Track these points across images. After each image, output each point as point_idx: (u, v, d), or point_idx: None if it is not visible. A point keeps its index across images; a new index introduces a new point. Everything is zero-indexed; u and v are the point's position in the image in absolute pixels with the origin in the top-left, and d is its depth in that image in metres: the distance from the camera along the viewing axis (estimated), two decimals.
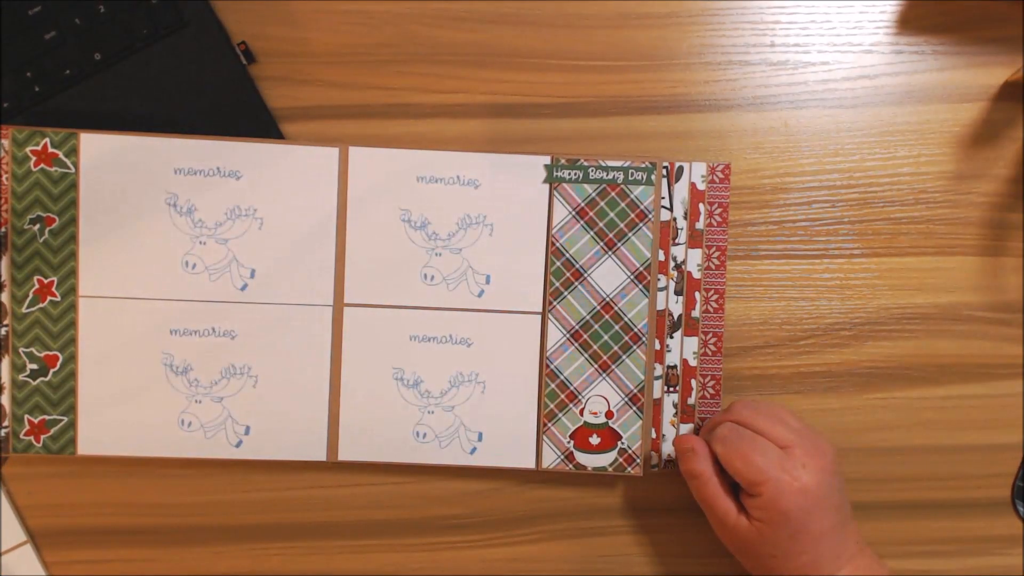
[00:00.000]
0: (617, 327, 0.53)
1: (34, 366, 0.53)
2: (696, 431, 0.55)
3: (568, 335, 0.54)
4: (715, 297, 0.55)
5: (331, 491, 0.55)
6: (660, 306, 0.54)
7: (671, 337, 0.54)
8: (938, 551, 0.56)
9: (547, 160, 0.53)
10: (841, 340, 0.56)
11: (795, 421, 0.50)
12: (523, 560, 0.56)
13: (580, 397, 0.54)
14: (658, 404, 0.54)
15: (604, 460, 0.54)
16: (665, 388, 0.54)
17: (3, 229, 0.52)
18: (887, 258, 0.56)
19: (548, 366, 0.54)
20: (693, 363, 0.55)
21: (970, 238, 0.56)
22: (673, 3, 0.55)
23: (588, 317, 0.53)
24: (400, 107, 0.55)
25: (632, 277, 0.53)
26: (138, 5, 0.53)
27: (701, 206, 0.54)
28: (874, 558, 0.49)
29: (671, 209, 0.54)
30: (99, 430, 0.53)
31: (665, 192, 0.54)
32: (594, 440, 0.54)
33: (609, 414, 0.54)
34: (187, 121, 0.53)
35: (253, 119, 0.54)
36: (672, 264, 0.54)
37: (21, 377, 0.53)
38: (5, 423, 0.53)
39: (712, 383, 0.55)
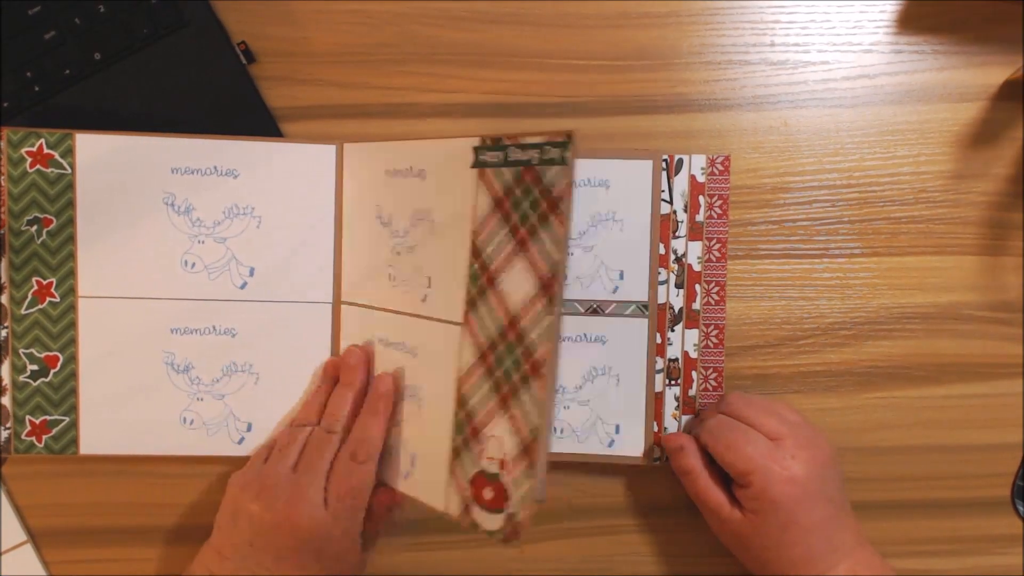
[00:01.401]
0: (518, 351, 0.42)
1: (34, 367, 0.53)
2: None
3: (478, 354, 0.44)
4: (716, 289, 0.55)
5: None
6: (661, 299, 0.54)
7: (672, 330, 0.54)
8: (938, 551, 0.56)
9: (476, 142, 0.45)
10: (841, 339, 0.56)
11: (791, 415, 0.50)
12: (523, 560, 0.56)
13: (481, 435, 0.44)
14: (660, 397, 0.54)
15: (493, 523, 0.43)
16: (667, 382, 0.54)
17: (1, 231, 0.52)
18: (887, 257, 0.56)
19: (458, 390, 0.45)
20: (694, 355, 0.55)
21: (970, 237, 0.56)
22: (673, 3, 0.55)
23: (495, 335, 0.43)
24: (400, 107, 0.55)
25: (539, 286, 0.41)
26: (138, 5, 0.53)
27: (701, 198, 0.54)
28: (875, 553, 0.49)
29: (671, 202, 0.54)
30: (101, 429, 0.53)
31: (665, 185, 0.54)
32: (487, 494, 0.43)
33: (503, 463, 0.43)
34: (187, 121, 0.53)
35: (253, 119, 0.54)
36: (672, 257, 0.54)
37: (22, 378, 0.53)
38: (7, 424, 0.53)
39: (714, 375, 0.55)
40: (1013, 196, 0.56)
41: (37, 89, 0.52)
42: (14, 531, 0.54)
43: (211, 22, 0.54)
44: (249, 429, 0.54)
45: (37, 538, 0.55)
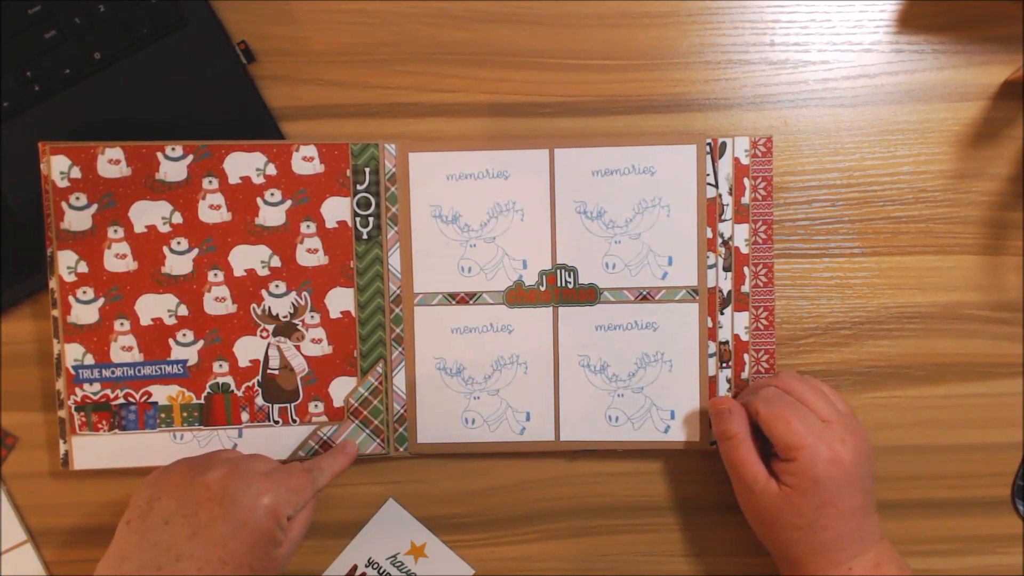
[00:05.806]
0: None
1: None
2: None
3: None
4: (763, 271, 0.55)
5: (331, 490, 0.55)
6: (710, 283, 0.54)
7: (721, 314, 0.54)
8: (938, 551, 0.56)
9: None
10: (841, 339, 0.56)
11: (842, 404, 0.50)
12: (523, 560, 0.56)
13: None
14: (713, 381, 0.54)
15: None
16: (719, 365, 0.55)
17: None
18: (887, 257, 0.56)
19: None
20: (745, 338, 0.55)
21: (970, 237, 0.56)
22: (673, 2, 0.55)
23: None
24: (400, 106, 0.55)
25: None
26: (138, 5, 0.53)
27: (746, 180, 0.54)
28: (894, 550, 0.49)
29: (716, 186, 0.54)
30: (93, 446, 0.53)
31: (710, 169, 0.54)
32: None
33: None
34: (187, 121, 0.53)
35: (253, 119, 0.54)
36: (719, 241, 0.54)
37: None
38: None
39: (766, 357, 0.55)
40: (1013, 196, 0.56)
41: (37, 89, 0.53)
42: (14, 531, 0.54)
43: (211, 22, 0.54)
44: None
45: (37, 538, 0.55)
